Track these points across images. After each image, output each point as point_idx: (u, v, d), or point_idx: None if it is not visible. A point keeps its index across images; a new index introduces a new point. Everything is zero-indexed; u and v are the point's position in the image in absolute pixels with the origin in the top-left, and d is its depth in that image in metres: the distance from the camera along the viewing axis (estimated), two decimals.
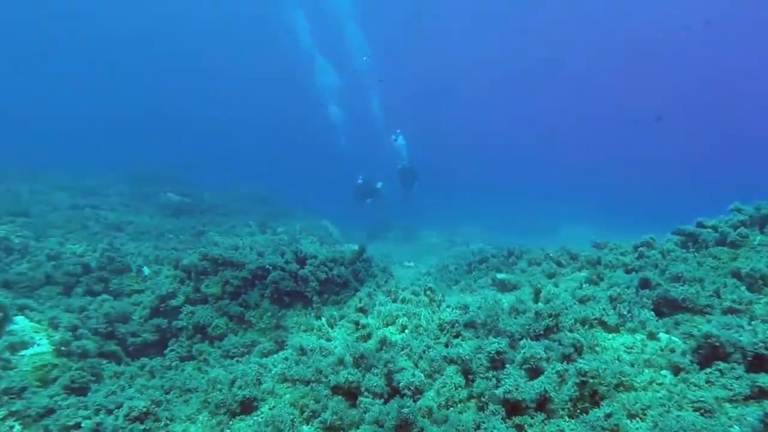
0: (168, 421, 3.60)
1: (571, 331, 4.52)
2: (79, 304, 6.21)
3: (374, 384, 3.88)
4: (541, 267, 7.56)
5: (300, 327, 6.42)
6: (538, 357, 3.69)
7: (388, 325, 5.11)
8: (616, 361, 4.02)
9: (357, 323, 5.03)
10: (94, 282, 7.31)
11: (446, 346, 4.32)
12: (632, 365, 4.00)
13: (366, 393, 3.84)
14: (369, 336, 5.01)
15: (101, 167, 21.89)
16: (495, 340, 3.82)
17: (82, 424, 3.40)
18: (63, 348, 5.35)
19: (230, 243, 10.68)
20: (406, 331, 4.84)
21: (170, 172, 22.23)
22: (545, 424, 3.29)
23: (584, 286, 6.16)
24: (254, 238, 13.44)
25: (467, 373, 3.84)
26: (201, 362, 5.73)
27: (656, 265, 6.09)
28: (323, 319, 6.08)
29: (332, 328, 6.17)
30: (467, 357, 3.80)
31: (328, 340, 5.56)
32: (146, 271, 7.99)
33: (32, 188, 14.10)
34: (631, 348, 4.32)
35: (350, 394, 4.04)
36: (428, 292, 5.45)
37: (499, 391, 3.41)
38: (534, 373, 3.72)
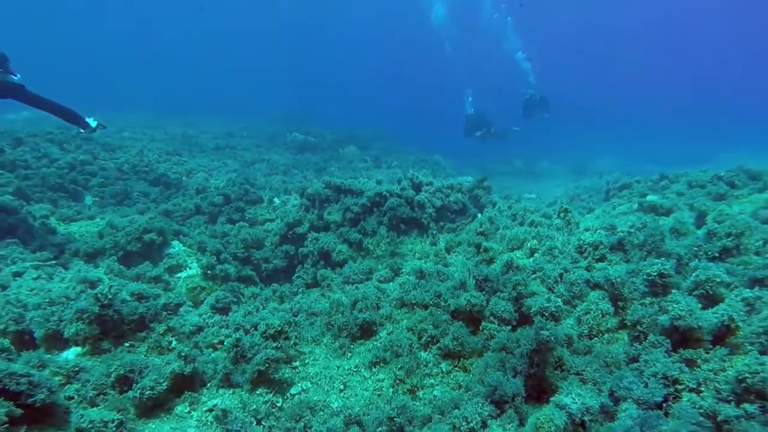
0: (297, 340, 3.69)
1: (757, 254, 3.50)
2: (221, 230, 6.80)
3: (501, 308, 3.46)
4: (706, 189, 6.14)
5: (415, 254, 6.22)
6: (717, 280, 2.87)
7: (514, 249, 4.57)
8: None
9: (479, 246, 4.59)
10: (233, 211, 7.99)
11: (587, 270, 3.67)
12: None
13: (491, 318, 3.45)
14: (492, 260, 4.55)
15: (245, 113, 24.09)
16: (657, 261, 3.06)
17: (225, 342, 3.64)
18: (209, 271, 5.93)
19: (349, 176, 10.88)
20: (536, 255, 4.26)
21: (296, 116, 23.49)
22: (727, 360, 2.56)
23: None
24: (370, 173, 13.60)
25: (617, 299, 3.18)
26: (325, 288, 5.92)
27: None
28: (441, 244, 5.76)
29: (449, 253, 5.85)
30: (618, 280, 3.13)
31: (446, 266, 5.25)
32: (276, 201, 8.48)
33: (184, 132, 15.95)
34: None
35: (472, 320, 3.69)
36: (563, 214, 4.72)
37: (664, 318, 2.73)
38: (709, 301, 2.92)
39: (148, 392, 2.89)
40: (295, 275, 6.55)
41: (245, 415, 2.80)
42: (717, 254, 3.36)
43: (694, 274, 2.93)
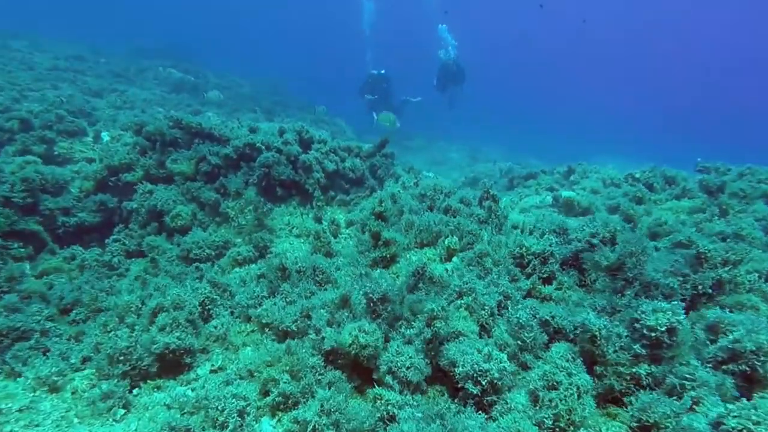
0: None
1: (750, 291, 2.45)
2: None
3: (405, 363, 1.91)
4: (622, 189, 5.37)
5: (292, 230, 4.46)
6: (765, 349, 1.66)
7: (424, 245, 3.08)
8: None
9: (377, 237, 2.99)
10: (33, 142, 5.27)
11: (530, 294, 2.30)
12: None
13: (389, 377, 1.89)
14: (393, 259, 3.00)
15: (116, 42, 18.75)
16: (660, 305, 1.75)
17: None
18: None
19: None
20: (455, 258, 2.81)
21: (179, 50, 19.19)
22: None
23: (714, 219, 4.02)
24: (258, 125, 11.18)
25: (594, 361, 1.85)
26: (149, 264, 3.86)
27: None
28: (324, 224, 4.09)
29: (336, 237, 4.21)
30: (603, 332, 1.78)
31: (328, 254, 3.60)
32: (105, 137, 5.89)
33: (5, 44, 11.52)
34: None
35: (360, 368, 2.12)
36: (487, 202, 3.33)
37: (702, 425, 1.43)
38: (747, 381, 1.72)
39: None
40: (112, 238, 4.30)
41: None
42: (709, 289, 2.21)
43: (728, 339, 1.68)
